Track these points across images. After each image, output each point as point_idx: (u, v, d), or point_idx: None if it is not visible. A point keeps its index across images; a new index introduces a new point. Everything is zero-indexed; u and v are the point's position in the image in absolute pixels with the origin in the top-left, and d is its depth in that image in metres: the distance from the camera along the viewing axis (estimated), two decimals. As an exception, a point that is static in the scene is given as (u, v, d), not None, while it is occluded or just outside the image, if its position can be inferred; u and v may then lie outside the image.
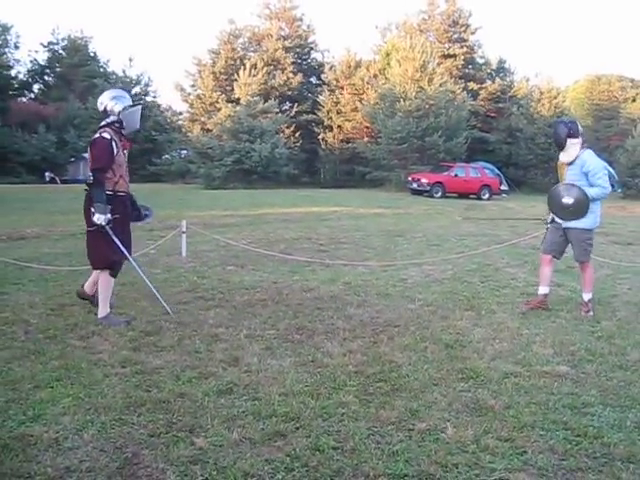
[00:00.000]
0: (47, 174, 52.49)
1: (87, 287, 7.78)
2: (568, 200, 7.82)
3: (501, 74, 55.65)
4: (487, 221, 20.78)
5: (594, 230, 8.10)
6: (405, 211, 24.85)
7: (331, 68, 54.25)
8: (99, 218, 6.98)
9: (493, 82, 53.33)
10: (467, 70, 52.87)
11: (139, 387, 5.05)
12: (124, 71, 58.46)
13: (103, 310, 7.21)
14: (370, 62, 52.21)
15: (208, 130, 50.02)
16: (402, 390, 5.06)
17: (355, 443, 4.13)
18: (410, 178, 37.84)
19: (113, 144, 7.20)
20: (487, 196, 36.34)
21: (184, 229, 12.18)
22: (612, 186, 8.01)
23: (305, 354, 5.99)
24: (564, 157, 8.10)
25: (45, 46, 69.32)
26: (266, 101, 47.91)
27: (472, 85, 50.73)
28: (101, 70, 67.92)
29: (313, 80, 58.10)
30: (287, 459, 3.92)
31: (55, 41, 69.29)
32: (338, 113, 50.91)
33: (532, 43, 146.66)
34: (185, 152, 53.19)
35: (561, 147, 8.07)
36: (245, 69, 49.68)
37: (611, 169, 8.18)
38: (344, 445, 4.11)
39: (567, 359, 5.93)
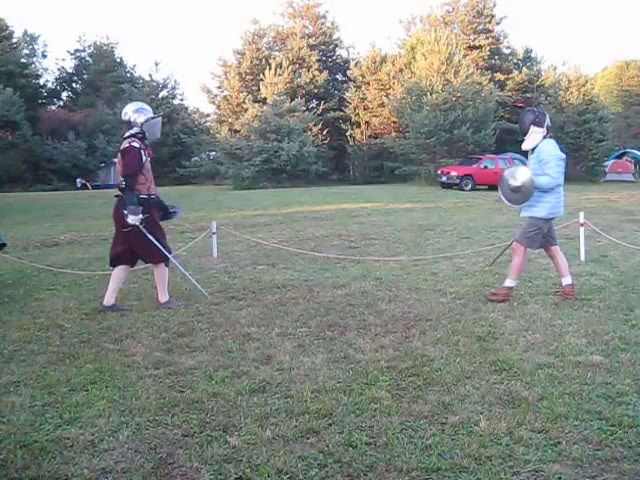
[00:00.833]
0: (78, 180, 53.11)
1: (107, 299, 7.98)
2: (514, 182, 7.97)
3: (528, 64, 55.24)
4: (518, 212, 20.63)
5: (548, 219, 8.07)
6: (435, 205, 24.77)
7: (356, 64, 54.20)
8: (133, 219, 7.55)
9: (520, 72, 52.96)
10: (493, 61, 52.55)
11: (173, 388, 5.09)
12: (150, 75, 58.97)
13: (163, 297, 8.04)
14: (395, 57, 52.09)
15: (236, 131, 50.24)
16: (434, 384, 5.04)
17: (388, 438, 4.13)
18: (439, 171, 37.72)
19: (142, 152, 7.76)
20: (517, 187, 36.07)
21: (215, 230, 12.25)
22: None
23: (337, 351, 5.99)
24: (525, 145, 8.16)
25: (72, 54, 70.23)
26: (292, 100, 48.01)
27: (499, 76, 50.47)
28: (128, 75, 68.64)
29: (339, 77, 58.12)
30: (320, 455, 3.93)
31: (82, 48, 70.20)
32: (365, 109, 50.86)
33: (559, 31, 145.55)
34: (214, 153, 53.49)
35: (524, 133, 8.08)
36: (270, 68, 49.82)
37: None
38: (377, 440, 4.11)
39: (601, 348, 5.87)
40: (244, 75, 54.13)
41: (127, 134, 7.94)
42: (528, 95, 51.39)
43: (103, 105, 61.02)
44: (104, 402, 4.81)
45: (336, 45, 58.43)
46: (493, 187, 35.25)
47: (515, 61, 55.27)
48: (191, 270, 10.65)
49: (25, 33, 67.35)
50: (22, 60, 62.55)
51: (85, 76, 70.55)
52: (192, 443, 4.13)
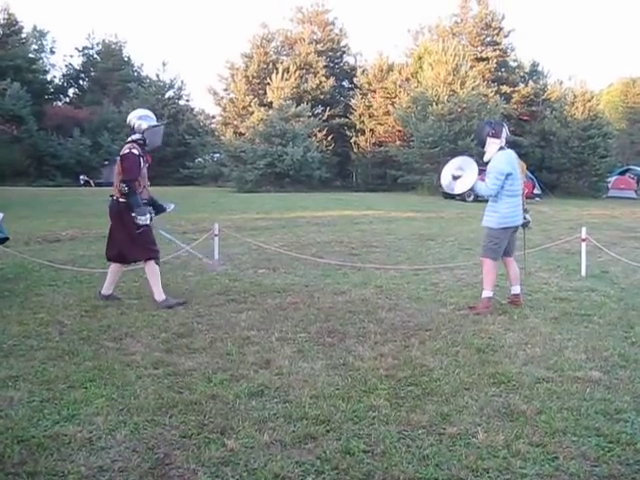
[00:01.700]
0: (82, 177, 53.08)
1: (105, 289, 8.46)
2: (458, 172, 8.39)
3: (534, 77, 55.21)
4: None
5: (500, 229, 8.25)
6: (437, 215, 24.75)
7: (363, 72, 54.21)
8: (143, 219, 7.90)
9: (526, 85, 52.94)
10: (500, 73, 52.53)
11: (171, 388, 5.10)
12: (158, 75, 59.04)
13: (159, 295, 8.11)
14: (402, 66, 52.08)
15: (241, 134, 50.26)
16: (433, 394, 5.05)
17: (385, 447, 4.13)
18: (443, 182, 37.68)
19: (141, 159, 8.05)
20: (520, 200, 36.00)
21: (216, 232, 12.24)
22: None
23: (336, 357, 6.00)
24: (485, 156, 8.43)
25: (80, 51, 70.25)
26: (298, 105, 48.02)
27: (505, 88, 50.41)
28: (135, 74, 68.67)
29: (345, 84, 58.12)
30: (317, 462, 3.93)
31: (90, 46, 70.25)
32: (370, 117, 50.86)
33: (566, 46, 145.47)
34: (218, 155, 53.51)
35: (482, 145, 8.46)
36: (278, 73, 49.84)
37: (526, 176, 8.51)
38: (374, 448, 4.11)
39: (600, 365, 5.87)
40: (251, 78, 54.13)
41: (129, 139, 8.24)
42: (533, 108, 51.39)
43: (109, 103, 61.04)
44: (102, 400, 4.81)
45: (344, 52, 58.45)
46: (496, 199, 35.25)
47: (521, 74, 55.23)
48: (192, 271, 10.69)
49: (34, 29, 67.32)
50: (30, 55, 62.51)
51: (92, 73, 70.56)
52: (190, 445, 4.14)
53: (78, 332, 6.78)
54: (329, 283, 9.90)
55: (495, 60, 51.44)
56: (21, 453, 3.98)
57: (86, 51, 70.50)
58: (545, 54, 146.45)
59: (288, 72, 50.30)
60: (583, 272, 10.73)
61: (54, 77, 69.31)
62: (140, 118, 8.24)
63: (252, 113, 49.32)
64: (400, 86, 49.55)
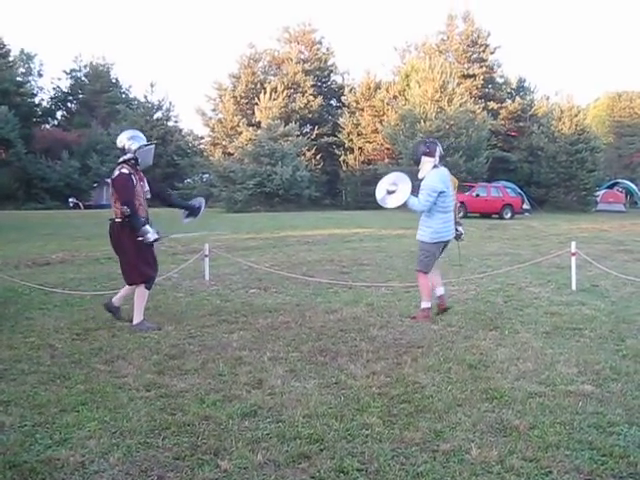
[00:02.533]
0: (71, 200, 53.10)
1: (116, 299, 8.51)
2: (392, 187, 8.78)
3: (521, 93, 55.66)
4: (509, 240, 20.71)
5: (433, 243, 8.72)
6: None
7: (351, 90, 54.52)
8: (149, 238, 8.03)
9: (513, 101, 53.34)
10: (487, 90, 52.91)
11: (164, 410, 5.08)
12: (146, 97, 59.19)
13: (137, 318, 8.09)
14: (390, 83, 52.43)
15: (229, 154, 50.40)
16: (426, 411, 5.04)
17: (379, 464, 4.13)
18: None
19: (132, 177, 8.08)
20: (509, 215, 36.16)
21: (207, 252, 12.25)
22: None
23: (329, 376, 5.99)
24: (419, 174, 8.78)
25: (68, 73, 70.51)
26: (287, 124, 48.21)
27: (492, 104, 50.78)
28: (123, 96, 68.93)
29: (333, 102, 58.43)
30: (312, 481, 3.92)
31: (77, 68, 70.50)
32: (359, 135, 51.08)
33: (552, 61, 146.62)
34: (207, 176, 53.59)
35: (417, 163, 8.81)
36: (265, 93, 50.06)
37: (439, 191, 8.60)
38: (369, 467, 4.11)
39: (592, 378, 5.87)
40: (239, 99, 54.35)
41: (120, 160, 8.29)
42: (521, 124, 51.76)
43: (97, 125, 61.16)
44: (95, 423, 4.79)
45: (331, 71, 58.76)
46: (485, 215, 35.44)
47: (508, 90, 55.65)
48: (182, 292, 10.67)
49: (22, 52, 67.61)
50: (18, 78, 62.68)
51: (80, 96, 70.75)
52: (183, 466, 4.12)
53: (69, 355, 6.75)
54: (320, 302, 9.89)
55: (482, 77, 51.83)
56: (13, 478, 3.96)
57: (74, 73, 70.75)
58: (532, 70, 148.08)
59: (276, 92, 50.52)
60: (573, 286, 10.76)
61: (42, 100, 69.54)
62: (130, 138, 8.31)
63: (241, 133, 49.50)
64: (388, 104, 49.82)
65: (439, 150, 8.71)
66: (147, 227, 8.08)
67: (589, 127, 49.64)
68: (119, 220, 8.09)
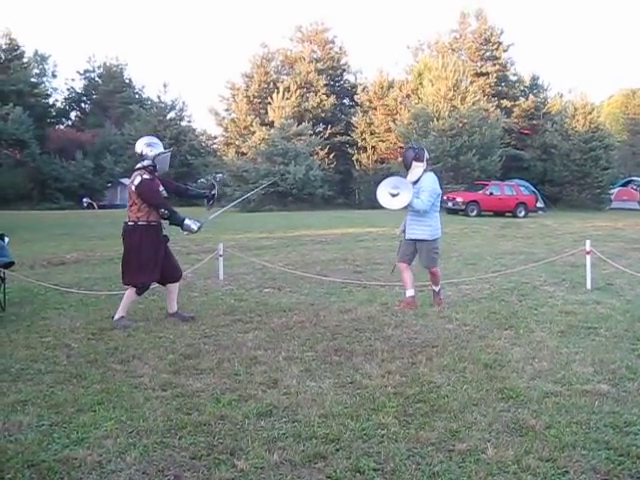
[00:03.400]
0: (85, 200, 53.32)
1: (169, 308, 8.74)
2: (395, 191, 9.31)
3: (534, 91, 55.41)
4: (523, 239, 20.64)
5: (435, 240, 9.50)
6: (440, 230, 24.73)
7: (364, 89, 54.43)
8: (194, 228, 8.53)
9: (526, 99, 53.10)
10: (500, 88, 52.71)
11: (180, 410, 5.10)
12: (159, 97, 59.19)
13: (119, 314, 8.30)
14: (403, 82, 52.30)
15: (243, 153, 50.40)
16: (442, 411, 5.04)
17: (395, 464, 4.13)
18: (445, 197, 37.59)
19: (154, 181, 8.34)
20: (523, 214, 36.01)
21: (221, 252, 12.28)
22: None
23: (344, 375, 6.00)
24: (410, 177, 9.45)
25: (81, 74, 70.79)
26: (300, 124, 48.19)
27: (505, 103, 50.59)
28: (136, 96, 69.12)
29: (346, 101, 58.33)
30: (328, 481, 3.93)
31: (91, 69, 70.80)
32: (372, 134, 51.00)
33: (565, 58, 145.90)
34: (220, 175, 53.65)
35: (407, 168, 9.50)
36: (278, 92, 50.04)
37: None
38: (384, 466, 4.11)
39: (608, 377, 5.85)
40: (252, 98, 54.36)
41: (138, 166, 8.45)
42: (534, 122, 51.50)
43: (111, 125, 61.39)
44: (111, 423, 4.81)
45: (344, 70, 58.67)
46: (499, 213, 35.32)
47: (522, 88, 55.42)
48: (197, 292, 10.70)
49: (36, 53, 67.87)
50: (32, 79, 62.94)
51: (94, 96, 71.03)
52: (200, 466, 4.14)
53: (85, 355, 6.79)
54: (334, 301, 9.90)
55: (495, 75, 51.63)
56: (32, 477, 3.99)
57: (87, 74, 71.05)
58: (545, 67, 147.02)
59: (289, 91, 50.51)
60: (588, 285, 10.72)
61: (56, 101, 69.86)
62: (149, 145, 8.49)
63: (254, 133, 49.48)
64: (401, 103, 49.73)
65: (427, 155, 9.56)
66: (187, 220, 8.47)
67: (603, 124, 49.33)
68: (131, 224, 8.28)
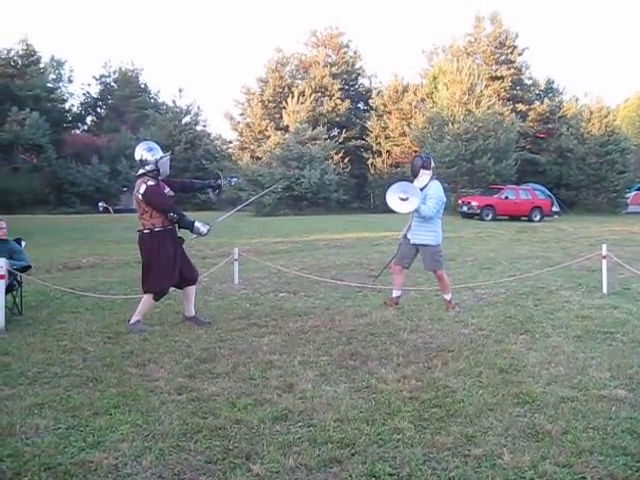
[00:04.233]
0: (100, 204, 53.54)
1: (186, 311, 8.76)
2: (404, 195, 9.65)
3: (550, 94, 55.15)
4: (539, 243, 20.56)
5: (439, 244, 9.83)
6: (456, 235, 24.67)
7: (378, 93, 54.37)
8: (203, 231, 8.49)
9: (542, 103, 52.86)
10: (515, 91, 52.50)
11: (195, 414, 5.11)
12: (174, 101, 59.24)
13: (135, 318, 8.35)
14: (417, 86, 52.19)
15: (258, 158, 50.43)
16: (457, 415, 5.03)
17: (411, 469, 4.12)
18: (460, 201, 37.58)
19: (160, 186, 8.35)
20: (538, 218, 35.87)
21: (236, 256, 12.31)
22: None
23: (359, 380, 6.00)
24: (417, 183, 9.79)
25: (97, 79, 71.03)
26: (315, 128, 48.17)
27: (520, 106, 50.41)
28: (152, 101, 69.30)
29: (361, 106, 58.26)
30: (343, 485, 3.93)
31: (107, 74, 71.03)
32: (386, 138, 50.93)
33: (581, 62, 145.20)
34: (235, 180, 53.73)
35: (415, 175, 9.87)
36: (293, 97, 50.04)
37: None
38: (400, 471, 4.11)
39: (625, 383, 5.83)
40: (267, 103, 54.39)
41: (140, 172, 8.45)
42: (550, 126, 51.26)
43: (127, 130, 61.51)
44: (127, 426, 4.83)
45: (358, 74, 58.62)
46: (515, 218, 35.21)
47: (537, 92, 55.17)
48: (212, 296, 10.73)
49: (52, 58, 68.06)
50: (49, 85, 63.22)
51: (110, 101, 71.26)
52: (215, 470, 4.15)
53: (101, 359, 6.81)
54: (350, 305, 9.90)
55: (510, 78, 51.43)
56: (48, 481, 4.01)
57: (103, 79, 71.28)
58: (560, 71, 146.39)
59: (303, 95, 50.50)
60: (604, 289, 10.68)
61: (72, 105, 70.07)
62: (149, 150, 8.48)
63: (269, 137, 49.53)
64: (416, 107, 49.63)
65: (432, 163, 9.95)
66: (197, 223, 8.46)
67: (619, 128, 49.06)
68: (147, 231, 8.30)
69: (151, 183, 8.24)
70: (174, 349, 7.22)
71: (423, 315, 9.08)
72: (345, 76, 56.44)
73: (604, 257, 10.97)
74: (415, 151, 48.10)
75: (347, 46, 57.47)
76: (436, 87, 46.89)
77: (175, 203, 8.57)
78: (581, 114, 47.82)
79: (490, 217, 35.30)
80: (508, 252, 17.71)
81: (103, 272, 14.25)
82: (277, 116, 52.62)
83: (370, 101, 54.28)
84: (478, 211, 35.59)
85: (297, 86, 53.34)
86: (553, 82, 56.56)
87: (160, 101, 69.59)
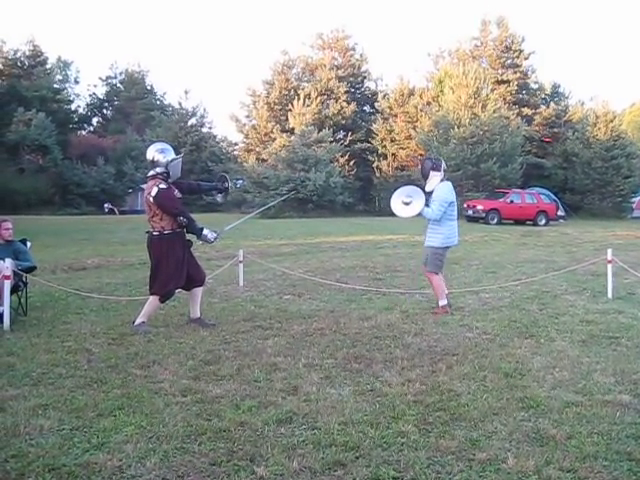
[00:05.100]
0: (106, 205, 53.68)
1: (191, 313, 8.75)
2: (407, 199, 9.70)
3: (555, 99, 55.17)
4: (544, 247, 20.53)
5: (444, 247, 9.68)
6: (461, 238, 24.57)
7: (384, 96, 54.41)
8: (210, 238, 8.49)
9: (547, 107, 52.86)
10: (521, 95, 52.51)
11: (200, 416, 5.11)
12: (180, 103, 59.42)
13: (140, 319, 8.34)
14: (423, 89, 52.25)
15: (263, 160, 50.49)
16: (462, 419, 5.02)
17: (415, 473, 4.12)
18: (465, 205, 37.52)
19: (171, 189, 8.33)
20: (543, 222, 35.84)
21: (241, 258, 12.32)
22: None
23: (364, 383, 5.99)
24: (427, 186, 9.78)
25: (103, 80, 71.35)
26: (320, 130, 48.21)
27: (526, 110, 50.39)
28: (158, 103, 69.52)
29: (367, 109, 58.33)
30: (347, 488, 3.92)
31: (113, 75, 71.36)
32: (392, 141, 50.95)
33: (587, 66, 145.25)
34: (241, 182, 53.79)
35: (425, 177, 9.84)
36: (299, 99, 50.12)
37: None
38: (404, 475, 4.10)
39: (629, 388, 5.81)
40: (273, 105, 54.45)
41: (151, 173, 8.47)
42: (555, 130, 51.23)
43: (132, 131, 61.71)
44: (132, 428, 4.83)
45: (364, 77, 58.68)
46: (520, 222, 35.17)
47: (543, 96, 55.16)
48: (217, 298, 10.73)
49: (59, 59, 68.46)
50: (55, 85, 63.52)
51: (116, 102, 71.54)
52: (219, 472, 4.14)
53: (106, 360, 6.82)
54: (354, 308, 9.90)
55: (516, 82, 51.43)
56: (52, 482, 4.01)
57: (109, 80, 71.58)
58: (566, 75, 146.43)
59: (309, 98, 50.56)
60: (609, 294, 10.65)
61: (78, 107, 70.42)
62: (162, 152, 8.49)
63: (274, 139, 49.59)
64: (421, 110, 49.68)
65: (444, 165, 9.87)
66: (205, 231, 8.44)
67: (625, 133, 49.03)
68: (157, 234, 8.31)
69: (163, 186, 8.23)
70: (179, 351, 7.22)
71: (428, 319, 9.07)
72: (351, 79, 56.53)
73: (609, 262, 10.94)
74: (421, 154, 48.16)
75: (353, 49, 57.59)
76: (442, 90, 46.94)
77: (183, 206, 8.56)
78: (587, 118, 47.82)
79: (495, 221, 35.28)
80: (513, 256, 17.69)
81: (108, 273, 14.27)
82: (283, 118, 52.69)
83: (376, 104, 54.36)
84: (483, 215, 35.57)
85: (303, 88, 53.45)
86: (559, 86, 56.64)
87: (166, 103, 69.88)
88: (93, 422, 4.97)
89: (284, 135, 48.85)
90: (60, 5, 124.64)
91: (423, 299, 10.73)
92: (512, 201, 36.56)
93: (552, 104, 53.30)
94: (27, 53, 61.41)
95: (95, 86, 72.92)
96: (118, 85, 71.92)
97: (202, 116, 60.00)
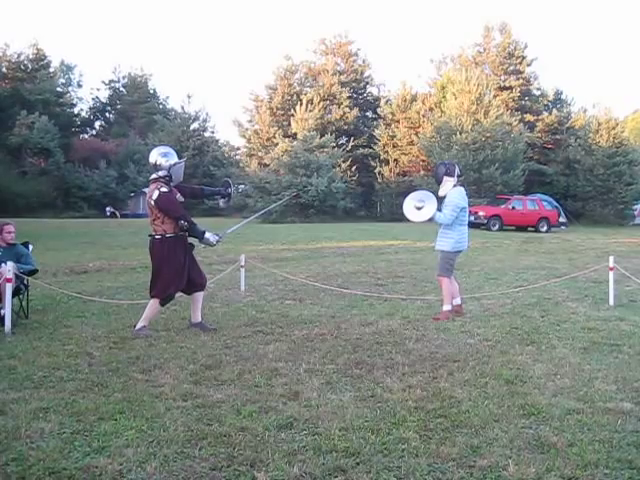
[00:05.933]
0: (108, 209, 53.73)
1: (192, 317, 8.73)
2: (420, 204, 9.83)
3: (558, 105, 55.22)
4: (545, 254, 20.51)
5: (454, 252, 9.86)
6: (462, 244, 24.63)
7: (387, 102, 54.48)
8: (212, 242, 8.57)
9: (550, 114, 52.92)
10: (523, 102, 52.58)
11: (200, 420, 5.10)
12: (183, 107, 59.58)
13: (141, 323, 8.33)
14: (426, 95, 52.30)
15: (265, 165, 50.57)
16: (462, 426, 5.01)
17: (416, 479, 4.11)
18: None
19: (172, 193, 8.34)
20: (545, 229, 35.87)
21: (242, 263, 12.32)
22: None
23: (365, 389, 5.98)
24: (440, 192, 9.89)
25: (106, 84, 71.45)
26: (322, 136, 48.26)
27: (528, 117, 50.45)
28: (160, 107, 69.62)
29: (369, 114, 58.38)
30: (348, 494, 3.92)
31: (116, 79, 71.50)
32: (394, 147, 50.98)
33: (589, 73, 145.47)
34: (243, 186, 53.83)
35: (439, 183, 9.95)
36: (302, 104, 50.16)
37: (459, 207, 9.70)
38: (405, 481, 4.09)
39: (631, 395, 5.79)
40: (275, 110, 54.50)
41: (153, 176, 8.48)
42: (558, 137, 51.29)
43: (135, 135, 61.83)
44: (132, 432, 4.82)
45: (367, 82, 58.75)
46: (521, 228, 35.15)
47: (545, 102, 55.23)
48: (218, 303, 10.73)
49: (62, 63, 68.61)
50: (58, 89, 63.62)
51: (118, 106, 71.64)
52: (220, 477, 4.14)
53: (107, 364, 6.82)
54: (356, 314, 9.89)
55: (518, 89, 51.51)
56: (53, 485, 4.01)
57: (112, 84, 71.70)
58: (569, 82, 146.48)
59: (312, 103, 50.60)
60: (611, 301, 10.64)
61: (81, 110, 70.57)
62: (164, 155, 8.50)
63: (276, 144, 49.62)
64: (424, 116, 49.74)
65: (457, 170, 9.87)
66: (207, 234, 8.49)
67: (627, 140, 49.10)
68: (159, 237, 8.31)
69: (164, 190, 8.24)
70: (180, 355, 7.22)
71: (429, 325, 9.06)
72: (354, 84, 56.60)
73: (611, 269, 10.93)
74: (423, 160, 48.32)
75: (356, 54, 57.67)
76: (444, 96, 47.03)
77: (184, 209, 8.56)
78: (589, 125, 47.89)
79: (497, 227, 35.29)
80: (514, 262, 17.69)
81: (109, 277, 14.28)
82: (285, 123, 52.75)
83: (378, 110, 54.42)
84: (485, 221, 35.58)
85: (305, 94, 53.49)
86: (561, 93, 56.73)
87: (169, 107, 70.01)
88: (94, 426, 4.97)
89: (286, 140, 48.88)
90: (63, 9, 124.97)
91: (424, 305, 10.73)
92: (514, 207, 36.59)
93: (554, 111, 53.37)
94: (30, 56, 61.54)
95: (98, 90, 73.10)
96: (121, 89, 72.03)
97: (204, 120, 60.20)
